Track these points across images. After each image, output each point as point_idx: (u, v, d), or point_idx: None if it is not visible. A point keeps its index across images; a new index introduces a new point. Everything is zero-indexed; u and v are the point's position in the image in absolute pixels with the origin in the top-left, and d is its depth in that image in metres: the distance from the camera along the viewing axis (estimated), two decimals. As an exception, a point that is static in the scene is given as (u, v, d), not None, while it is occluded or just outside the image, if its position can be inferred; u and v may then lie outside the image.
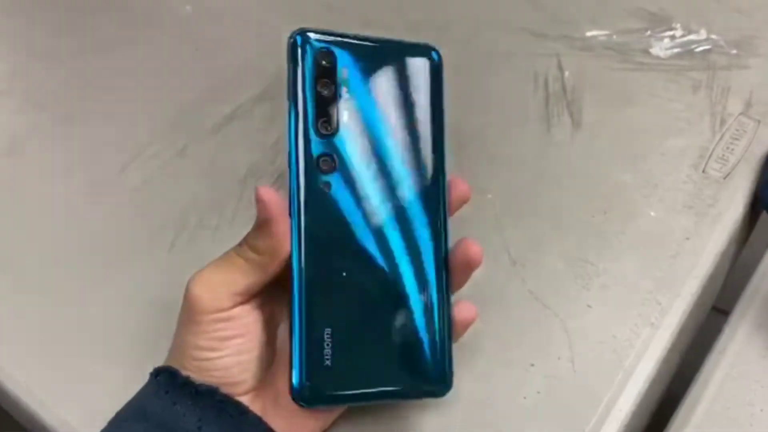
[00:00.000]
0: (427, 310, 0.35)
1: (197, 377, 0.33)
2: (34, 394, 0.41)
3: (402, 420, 0.39)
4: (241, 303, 0.34)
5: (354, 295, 0.34)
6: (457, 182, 0.37)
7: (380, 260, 0.35)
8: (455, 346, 0.37)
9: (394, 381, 0.35)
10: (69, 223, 0.49)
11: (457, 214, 0.38)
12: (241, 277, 0.34)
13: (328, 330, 0.33)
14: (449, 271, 0.36)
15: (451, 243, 0.37)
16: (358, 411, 0.38)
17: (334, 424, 0.38)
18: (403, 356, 0.35)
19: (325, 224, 0.34)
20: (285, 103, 0.34)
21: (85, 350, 0.43)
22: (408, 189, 0.36)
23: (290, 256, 0.34)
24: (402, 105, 0.36)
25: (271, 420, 0.34)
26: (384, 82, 0.36)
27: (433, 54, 0.37)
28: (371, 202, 0.35)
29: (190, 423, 0.32)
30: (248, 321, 0.35)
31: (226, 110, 0.54)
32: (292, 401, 0.33)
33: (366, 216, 0.35)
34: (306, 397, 0.33)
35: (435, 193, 0.36)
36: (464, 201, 0.38)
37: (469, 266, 0.36)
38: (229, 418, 0.33)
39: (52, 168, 0.52)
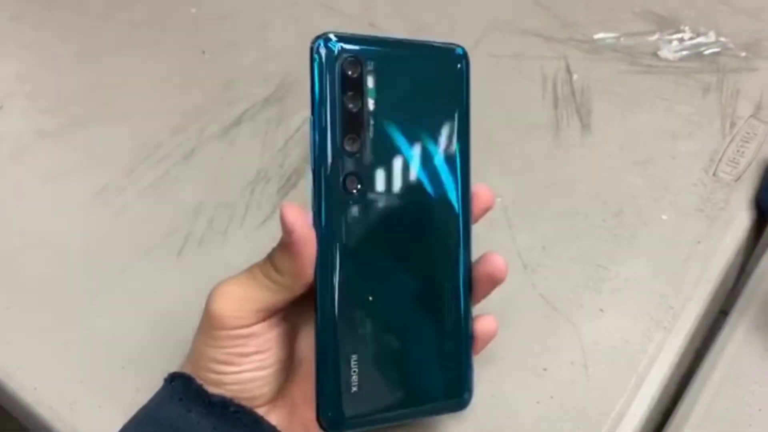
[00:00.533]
0: (450, 326, 0.35)
1: (213, 389, 0.33)
2: (43, 402, 0.41)
3: (415, 426, 0.39)
4: (263, 320, 0.34)
5: (379, 317, 0.33)
6: (480, 191, 0.36)
7: (405, 280, 0.34)
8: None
9: (419, 399, 0.35)
10: (77, 227, 0.48)
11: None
12: (265, 296, 0.33)
13: (354, 356, 0.32)
14: (472, 284, 0.35)
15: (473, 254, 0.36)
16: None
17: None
18: (427, 374, 0.35)
19: (350, 246, 0.32)
20: (309, 117, 0.32)
21: (94, 355, 0.42)
22: (433, 202, 0.34)
23: (314, 279, 0.32)
24: (430, 113, 0.34)
25: (287, 428, 0.34)
26: (411, 89, 0.33)
27: (461, 54, 0.34)
28: (396, 218, 0.33)
29: (205, 431, 0.32)
30: (268, 338, 0.34)
31: (234, 113, 0.54)
32: (314, 420, 0.33)
33: (391, 234, 0.33)
34: (334, 425, 0.32)
35: (460, 205, 0.35)
36: (488, 209, 0.37)
37: (493, 280, 0.35)
38: (244, 428, 0.33)
39: (59, 171, 0.51)
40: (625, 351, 0.40)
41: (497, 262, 0.35)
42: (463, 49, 0.34)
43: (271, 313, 0.34)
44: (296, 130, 0.52)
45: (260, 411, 0.34)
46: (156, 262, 0.46)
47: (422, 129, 0.33)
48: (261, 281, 0.33)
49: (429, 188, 0.34)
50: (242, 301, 0.33)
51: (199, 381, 0.33)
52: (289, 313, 0.35)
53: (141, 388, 0.37)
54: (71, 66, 0.58)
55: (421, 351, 0.34)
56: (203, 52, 0.58)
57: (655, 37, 0.56)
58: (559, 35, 0.57)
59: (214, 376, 0.33)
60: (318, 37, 0.31)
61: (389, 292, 0.33)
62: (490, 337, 0.36)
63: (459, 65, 0.34)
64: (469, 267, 0.35)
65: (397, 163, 0.33)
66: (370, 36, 0.32)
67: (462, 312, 0.35)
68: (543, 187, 0.48)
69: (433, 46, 0.34)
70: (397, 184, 0.33)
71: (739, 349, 0.42)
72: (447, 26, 0.59)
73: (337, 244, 0.32)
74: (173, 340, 0.37)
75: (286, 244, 0.32)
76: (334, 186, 0.32)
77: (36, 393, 0.41)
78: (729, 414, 0.39)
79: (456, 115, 0.34)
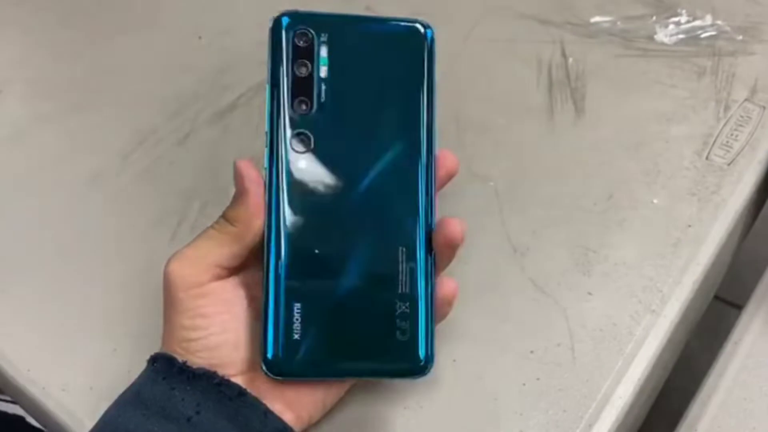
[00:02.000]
0: (406, 287, 0.35)
1: (192, 363, 0.34)
2: (35, 382, 0.41)
3: (400, 407, 0.39)
4: (220, 277, 0.35)
5: (327, 270, 0.35)
6: (445, 156, 0.37)
7: (354, 238, 0.35)
8: (454, 332, 0.37)
9: (369, 358, 0.35)
10: (71, 211, 0.49)
11: (458, 201, 0.38)
12: (216, 249, 0.34)
13: (297, 304, 0.34)
14: (433, 250, 0.36)
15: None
16: (354, 396, 0.38)
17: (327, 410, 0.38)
18: (379, 333, 0.35)
19: (299, 200, 0.35)
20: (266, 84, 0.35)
21: (86, 338, 0.43)
22: (390, 166, 0.35)
23: (265, 230, 0.34)
24: (386, 83, 0.36)
25: (269, 402, 0.34)
26: (368, 60, 0.36)
27: (422, 29, 0.36)
28: (349, 179, 0.35)
29: (189, 407, 0.33)
30: (229, 297, 0.35)
31: (228, 99, 0.54)
32: (296, 391, 0.34)
33: (343, 193, 0.35)
34: (275, 369, 0.34)
35: (420, 170, 0.36)
36: (452, 175, 0.37)
37: (450, 245, 0.35)
38: (228, 401, 0.33)
39: (55, 155, 0.52)
40: (612, 333, 0.41)
41: (452, 224, 0.35)
42: (426, 24, 0.36)
43: (226, 270, 0.35)
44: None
45: (240, 381, 0.34)
46: (149, 246, 0.46)
47: (380, 97, 0.36)
48: (213, 237, 0.35)
49: (384, 152, 0.35)
50: (196, 258, 0.35)
51: (182, 359, 0.33)
52: (253, 282, 0.36)
53: (132, 370, 0.37)
54: (69, 51, 0.58)
55: (370, 310, 0.35)
56: (199, 37, 0.58)
57: (652, 20, 0.55)
58: (556, 19, 0.56)
59: (184, 344, 0.34)
60: (278, 15, 0.36)
61: (337, 248, 0.35)
62: (451, 299, 0.36)
63: (421, 39, 0.36)
64: (429, 232, 0.36)
65: (352, 126, 0.35)
66: (334, 14, 0.36)
67: (420, 275, 0.35)
68: (535, 170, 0.48)
69: (393, 19, 0.36)
70: (348, 146, 0.35)
71: (756, 339, 0.42)
72: (443, 10, 0.59)
73: (285, 198, 0.35)
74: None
75: (238, 194, 0.35)
76: (284, 143, 0.35)
77: (29, 374, 0.42)
78: (747, 404, 0.39)
79: (418, 87, 0.36)
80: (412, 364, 0.35)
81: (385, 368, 0.36)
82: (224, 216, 0.35)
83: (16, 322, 0.44)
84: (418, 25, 0.36)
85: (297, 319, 0.34)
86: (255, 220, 0.34)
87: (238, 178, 0.35)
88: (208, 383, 0.33)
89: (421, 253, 0.35)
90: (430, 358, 0.35)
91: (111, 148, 0.52)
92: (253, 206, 0.34)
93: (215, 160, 0.51)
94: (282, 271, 0.34)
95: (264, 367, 0.34)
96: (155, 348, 0.36)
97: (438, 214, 0.37)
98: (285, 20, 0.35)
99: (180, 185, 0.49)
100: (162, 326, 0.36)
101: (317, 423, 0.37)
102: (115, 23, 0.60)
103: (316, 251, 0.35)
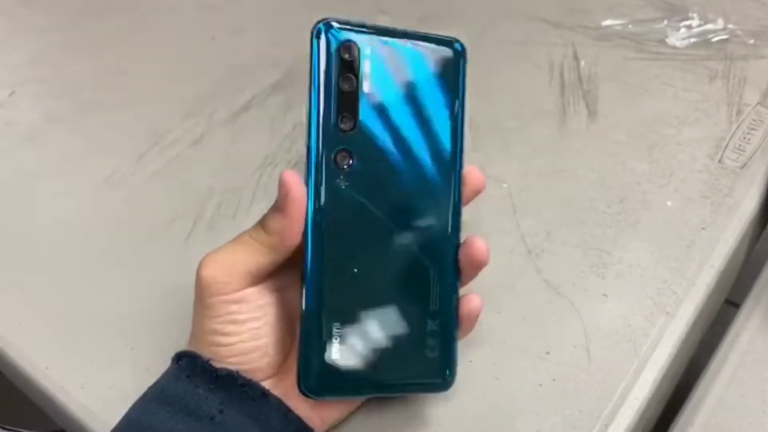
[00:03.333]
0: (436, 305, 0.36)
1: (217, 363, 0.34)
2: (53, 380, 0.42)
3: (417, 408, 0.39)
4: (253, 284, 0.35)
5: (363, 290, 0.34)
6: (472, 173, 0.37)
7: (391, 255, 0.35)
8: (470, 334, 0.37)
9: (399, 374, 0.35)
10: (87, 211, 0.49)
11: (473, 204, 0.39)
12: (251, 257, 0.34)
13: (337, 325, 0.34)
14: (458, 266, 0.36)
15: (462, 236, 0.37)
16: (372, 399, 0.39)
17: (351, 411, 0.38)
18: (409, 350, 0.35)
19: (339, 218, 0.34)
20: (306, 96, 0.34)
21: (104, 337, 0.43)
22: (424, 184, 0.36)
23: (303, 246, 0.34)
24: (423, 100, 0.35)
25: (294, 404, 0.34)
26: (406, 75, 0.35)
27: (458, 47, 0.36)
28: (387, 196, 0.35)
29: (212, 406, 0.33)
30: (262, 304, 0.35)
31: (242, 99, 0.54)
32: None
33: (380, 211, 0.35)
34: (312, 389, 0.34)
35: (451, 189, 0.36)
36: (478, 191, 0.38)
37: (475, 264, 0.36)
38: (251, 402, 0.33)
39: (70, 156, 0.52)
40: (627, 335, 0.41)
41: (478, 244, 0.35)
42: (461, 43, 0.36)
43: (259, 278, 0.35)
44: (304, 116, 0.52)
45: (265, 383, 0.34)
46: (165, 245, 0.47)
47: (416, 114, 0.35)
48: (249, 244, 0.34)
49: (419, 170, 0.35)
50: (230, 265, 0.34)
51: (206, 357, 0.34)
52: (282, 285, 0.36)
53: (150, 369, 0.38)
54: (82, 52, 0.58)
55: (404, 328, 0.35)
56: (212, 38, 0.58)
57: (663, 24, 0.56)
58: (568, 22, 0.57)
59: (214, 348, 0.34)
60: (319, 22, 0.34)
61: (375, 267, 0.35)
62: (475, 315, 0.36)
63: (456, 57, 0.36)
64: (457, 249, 0.36)
65: (390, 144, 0.35)
66: (371, 24, 0.34)
67: (449, 293, 0.36)
68: (548, 172, 0.48)
69: (429, 35, 0.36)
70: (388, 164, 0.35)
71: (754, 336, 0.42)
72: (455, 13, 0.59)
73: (326, 215, 0.34)
74: (181, 322, 0.38)
75: (279, 203, 0.33)
76: (326, 160, 0.34)
77: (47, 373, 0.42)
78: (744, 400, 0.40)
79: (451, 104, 0.36)
80: (437, 380, 0.36)
81: (412, 384, 0.36)
82: (262, 224, 0.34)
83: (33, 320, 0.44)
84: (456, 44, 0.36)
85: (336, 339, 0.34)
86: (292, 232, 0.33)
87: (281, 188, 0.33)
88: (232, 384, 0.33)
89: (449, 272, 0.36)
90: (453, 373, 0.36)
91: (126, 149, 0.52)
92: (294, 219, 0.33)
93: (230, 160, 0.51)
94: (320, 290, 0.34)
95: (303, 388, 0.33)
96: (173, 346, 0.36)
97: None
98: (330, 29, 0.34)
99: (195, 185, 0.50)
100: (179, 325, 0.37)
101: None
102: (128, 24, 0.60)
103: (354, 270, 0.34)
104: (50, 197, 0.50)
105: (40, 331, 0.44)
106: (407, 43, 0.35)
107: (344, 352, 0.34)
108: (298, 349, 0.34)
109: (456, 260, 0.36)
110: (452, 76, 0.36)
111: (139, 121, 0.53)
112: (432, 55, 0.36)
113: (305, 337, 0.34)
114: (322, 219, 0.34)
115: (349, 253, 0.34)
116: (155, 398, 0.34)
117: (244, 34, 0.58)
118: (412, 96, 0.35)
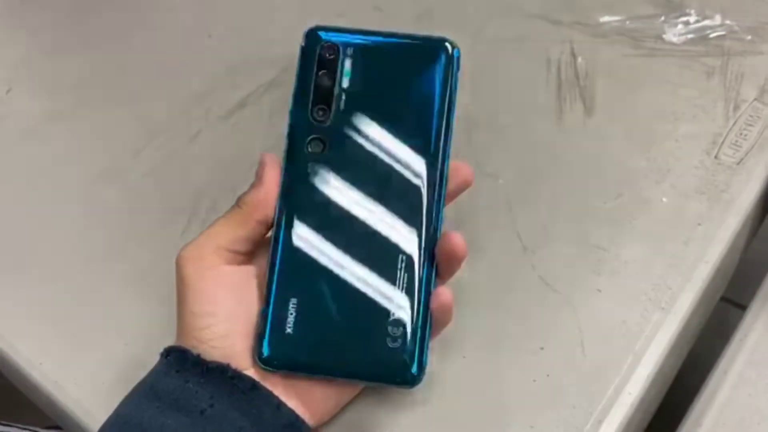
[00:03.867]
0: (402, 295, 0.35)
1: (206, 356, 0.34)
2: (48, 375, 0.42)
3: (408, 403, 0.39)
4: (228, 263, 0.36)
5: (326, 269, 0.36)
6: (459, 167, 0.37)
7: (357, 241, 0.36)
8: (464, 329, 0.37)
9: (361, 361, 0.35)
10: (82, 208, 0.49)
11: (468, 200, 0.39)
12: (224, 231, 0.36)
13: (294, 300, 0.35)
14: (435, 261, 0.36)
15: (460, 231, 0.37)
16: (362, 392, 0.39)
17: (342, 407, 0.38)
18: (372, 338, 0.35)
19: (308, 200, 0.36)
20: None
21: (99, 332, 0.43)
22: (399, 177, 0.36)
23: (273, 225, 0.36)
24: (406, 97, 0.37)
25: (283, 397, 0.34)
26: (391, 76, 0.38)
27: (447, 47, 0.37)
28: (358, 185, 0.36)
29: (203, 400, 0.33)
30: (238, 283, 0.36)
31: (238, 97, 0.54)
32: (308, 386, 0.35)
33: (350, 198, 0.36)
34: (266, 360, 0.35)
35: (429, 182, 0.36)
36: (466, 186, 0.38)
37: (453, 258, 0.36)
38: (241, 394, 0.33)
39: (66, 153, 0.52)
40: (622, 331, 0.41)
41: (455, 239, 0.35)
42: (452, 43, 0.38)
43: (235, 254, 0.36)
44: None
45: (254, 374, 0.34)
46: (160, 242, 0.47)
47: (397, 110, 0.37)
48: (222, 221, 0.36)
49: (396, 163, 0.37)
50: (204, 242, 0.36)
51: (195, 352, 0.34)
52: (258, 272, 0.37)
53: (144, 365, 0.38)
54: (78, 49, 0.58)
55: (366, 314, 0.35)
56: (209, 35, 0.58)
57: (661, 20, 0.55)
58: (564, 18, 0.56)
59: (196, 334, 0.34)
60: (309, 29, 0.38)
61: (340, 250, 0.36)
62: (447, 307, 0.36)
63: (445, 57, 0.38)
64: (432, 242, 0.36)
65: (365, 137, 0.37)
66: (361, 30, 0.38)
67: (417, 285, 0.36)
68: (544, 169, 0.48)
69: (419, 36, 0.38)
70: (361, 155, 0.37)
71: (762, 335, 0.42)
72: (452, 10, 0.59)
73: (295, 196, 0.36)
74: (175, 318, 0.38)
75: (256, 177, 0.37)
76: (300, 146, 0.37)
77: (41, 368, 0.42)
78: (752, 400, 0.39)
79: (436, 102, 0.37)
80: (401, 373, 0.35)
81: (374, 373, 0.36)
82: (237, 201, 0.37)
83: (28, 316, 0.44)
84: (446, 44, 0.38)
85: (292, 314, 0.35)
86: (263, 204, 0.36)
87: (259, 166, 0.36)
88: (222, 376, 0.33)
89: (420, 263, 0.36)
90: (421, 369, 0.35)
91: (121, 146, 0.52)
92: (265, 192, 0.36)
93: (225, 158, 0.51)
94: (283, 265, 0.36)
95: (257, 358, 0.35)
96: (166, 342, 0.36)
97: (448, 213, 0.37)
98: (315, 33, 0.38)
99: (190, 182, 0.50)
100: (173, 321, 0.37)
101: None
102: (124, 21, 0.60)
103: (319, 250, 0.36)
104: (44, 194, 0.50)
105: (34, 327, 0.44)
106: (395, 45, 0.38)
107: (300, 326, 0.35)
108: (257, 322, 0.35)
109: (432, 254, 0.36)
110: (440, 74, 0.37)
111: (135, 118, 0.53)
112: (418, 54, 0.38)
113: (264, 307, 0.35)
114: (291, 198, 0.36)
115: (316, 233, 0.36)
116: (145, 394, 0.34)
117: (240, 32, 0.58)
118: (394, 94, 0.37)
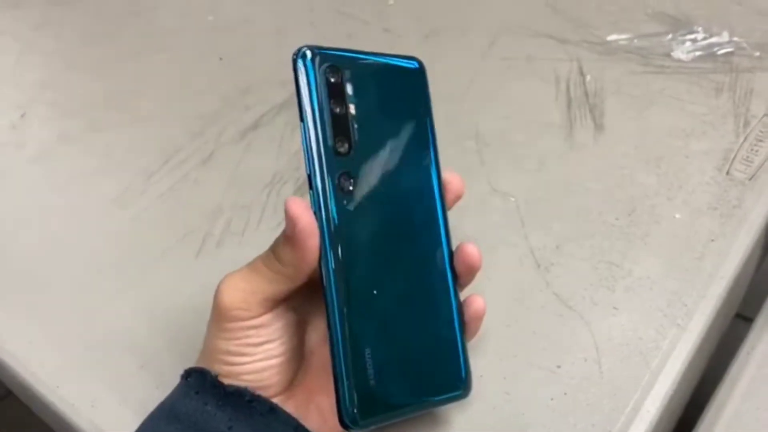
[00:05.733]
0: (444, 315, 0.36)
1: (225, 380, 0.34)
2: (64, 399, 0.42)
3: (428, 423, 0.39)
4: (270, 310, 0.35)
5: (384, 311, 0.34)
6: (453, 179, 0.37)
7: (401, 272, 0.35)
8: (481, 349, 0.37)
9: (427, 390, 0.36)
10: (97, 229, 0.49)
11: (481, 218, 0.39)
12: (269, 286, 0.34)
13: (368, 350, 0.33)
14: (455, 273, 0.37)
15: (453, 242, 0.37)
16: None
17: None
18: (432, 364, 0.35)
19: (352, 242, 0.34)
20: (299, 124, 0.33)
21: (114, 355, 0.43)
22: (416, 198, 0.36)
23: (321, 275, 0.33)
24: (400, 116, 0.36)
25: (307, 415, 0.34)
26: (382, 95, 0.35)
27: (417, 64, 0.37)
28: (388, 214, 0.35)
29: (221, 423, 0.33)
30: (276, 327, 0.35)
31: (251, 118, 0.55)
32: (331, 407, 0.34)
33: (385, 230, 0.35)
34: (355, 420, 0.33)
35: (437, 198, 0.37)
36: (459, 197, 0.38)
37: (471, 269, 0.36)
38: (260, 417, 0.33)
39: (80, 174, 0.53)
40: (638, 348, 0.41)
41: (470, 249, 0.36)
42: (419, 61, 0.37)
43: (276, 304, 0.35)
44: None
45: (276, 400, 0.34)
46: (175, 263, 0.47)
47: (398, 130, 0.36)
48: (264, 273, 0.34)
49: (412, 185, 0.36)
50: (248, 293, 0.34)
51: (214, 373, 0.34)
52: (295, 303, 0.36)
53: (160, 386, 0.38)
54: (92, 72, 0.59)
55: (424, 342, 0.35)
56: (220, 58, 0.59)
57: (668, 38, 0.56)
58: (572, 37, 0.57)
59: (227, 367, 0.34)
60: (299, 50, 0.33)
61: (390, 285, 0.35)
62: (481, 315, 0.37)
63: (419, 74, 0.37)
64: (451, 256, 0.37)
65: (383, 162, 0.35)
66: (341, 48, 0.34)
67: (452, 299, 0.36)
68: (556, 186, 0.48)
69: (391, 55, 0.36)
70: (384, 182, 0.35)
71: None
72: (460, 30, 0.59)
73: (340, 241, 0.33)
74: (191, 339, 0.38)
75: (290, 236, 0.33)
76: (331, 186, 0.33)
77: (58, 391, 0.42)
78: (760, 413, 0.39)
79: (423, 117, 0.37)
80: (460, 388, 0.36)
81: (440, 397, 0.36)
82: (275, 253, 0.34)
83: (44, 338, 0.44)
84: (414, 62, 0.37)
85: (370, 365, 0.33)
86: (307, 264, 0.33)
87: (289, 220, 0.32)
88: (240, 399, 0.33)
89: (449, 279, 0.36)
90: (470, 378, 0.36)
91: (135, 167, 0.52)
92: (306, 250, 0.33)
93: (239, 178, 0.51)
94: (348, 320, 0.33)
95: (346, 421, 0.33)
96: (182, 363, 0.36)
97: (461, 231, 0.37)
98: (314, 54, 0.33)
99: (204, 203, 0.50)
100: (188, 343, 0.37)
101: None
102: (137, 45, 0.61)
103: (374, 291, 0.34)
104: (60, 216, 0.50)
105: (50, 350, 0.44)
106: (376, 64, 0.36)
107: (379, 376, 0.33)
108: (334, 381, 0.33)
109: (452, 267, 0.36)
110: (419, 91, 0.37)
111: (149, 140, 0.54)
112: (399, 73, 0.36)
113: (339, 369, 0.33)
114: (337, 246, 0.33)
115: (367, 275, 0.34)
116: (164, 416, 0.34)
117: (251, 54, 0.59)
118: (390, 113, 0.36)
